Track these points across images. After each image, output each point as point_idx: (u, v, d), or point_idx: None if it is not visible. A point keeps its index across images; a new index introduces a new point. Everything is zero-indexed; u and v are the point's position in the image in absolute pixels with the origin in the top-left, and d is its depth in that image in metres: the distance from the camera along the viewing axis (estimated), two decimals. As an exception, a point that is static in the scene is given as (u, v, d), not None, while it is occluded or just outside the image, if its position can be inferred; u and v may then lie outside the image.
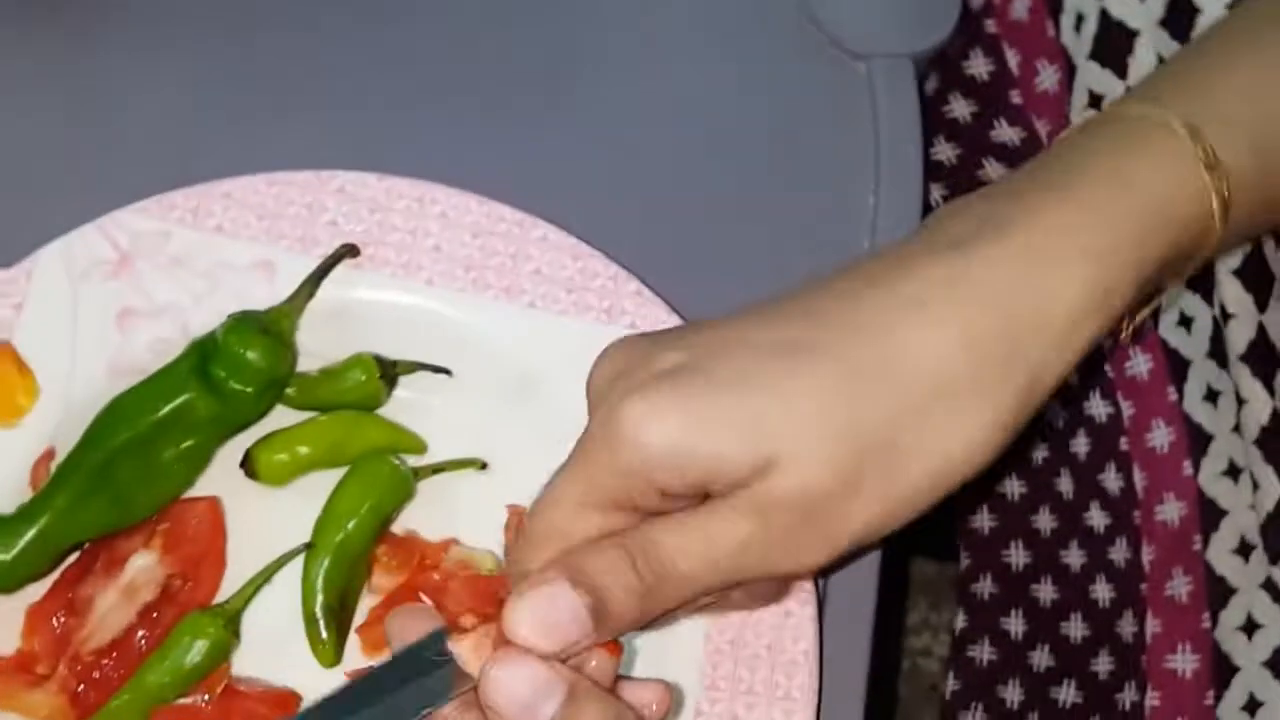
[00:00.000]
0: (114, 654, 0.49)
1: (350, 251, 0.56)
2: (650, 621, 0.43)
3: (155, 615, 0.50)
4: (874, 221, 0.61)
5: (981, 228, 0.43)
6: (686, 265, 0.59)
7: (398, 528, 0.55)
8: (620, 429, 0.42)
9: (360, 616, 0.53)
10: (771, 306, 0.45)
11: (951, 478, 0.42)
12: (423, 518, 0.55)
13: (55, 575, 0.51)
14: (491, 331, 0.56)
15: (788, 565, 0.43)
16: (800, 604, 0.52)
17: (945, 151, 0.66)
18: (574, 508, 0.43)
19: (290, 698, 0.51)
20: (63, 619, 0.50)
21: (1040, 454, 0.64)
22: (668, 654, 0.52)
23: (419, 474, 0.55)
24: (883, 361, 0.42)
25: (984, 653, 0.64)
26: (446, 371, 0.57)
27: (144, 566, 0.51)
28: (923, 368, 0.42)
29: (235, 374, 0.52)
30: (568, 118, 0.63)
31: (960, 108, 0.65)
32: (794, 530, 0.42)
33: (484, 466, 0.56)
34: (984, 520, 0.65)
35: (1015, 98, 0.64)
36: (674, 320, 0.56)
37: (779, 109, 0.64)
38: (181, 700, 0.50)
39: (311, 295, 0.55)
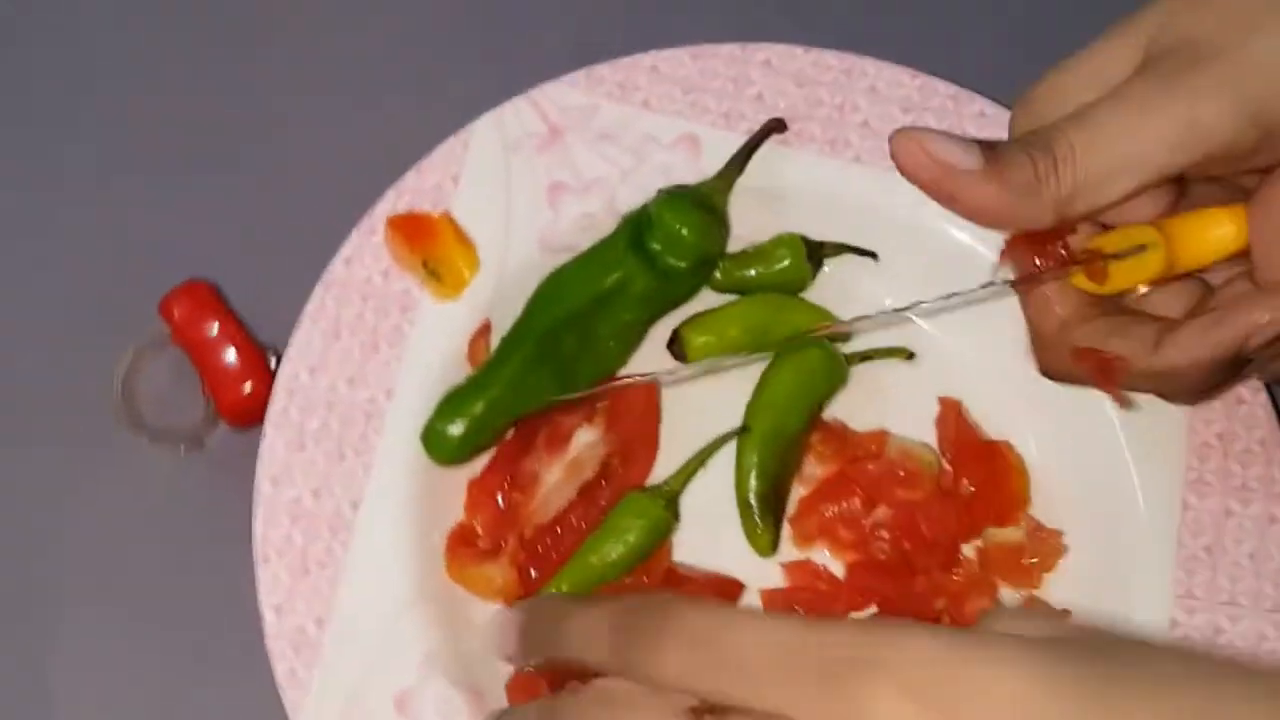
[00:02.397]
0: (557, 530, 0.48)
1: (777, 126, 0.53)
2: None
3: (592, 494, 0.49)
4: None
5: None
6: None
7: (826, 416, 0.52)
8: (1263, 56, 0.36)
9: (790, 507, 0.51)
10: None
11: None
12: (849, 407, 0.52)
13: (492, 451, 0.50)
14: (921, 213, 0.52)
15: None
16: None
17: None
18: (1168, 146, 0.37)
19: (734, 585, 0.49)
20: (507, 494, 0.48)
21: None
22: (1135, 561, 0.48)
23: (847, 361, 0.52)
24: None
25: None
26: (873, 255, 0.53)
27: (588, 443, 0.50)
28: None
29: (670, 248, 0.50)
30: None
31: None
32: None
33: (911, 356, 0.53)
34: None
35: None
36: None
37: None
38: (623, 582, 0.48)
39: (740, 171, 0.52)
